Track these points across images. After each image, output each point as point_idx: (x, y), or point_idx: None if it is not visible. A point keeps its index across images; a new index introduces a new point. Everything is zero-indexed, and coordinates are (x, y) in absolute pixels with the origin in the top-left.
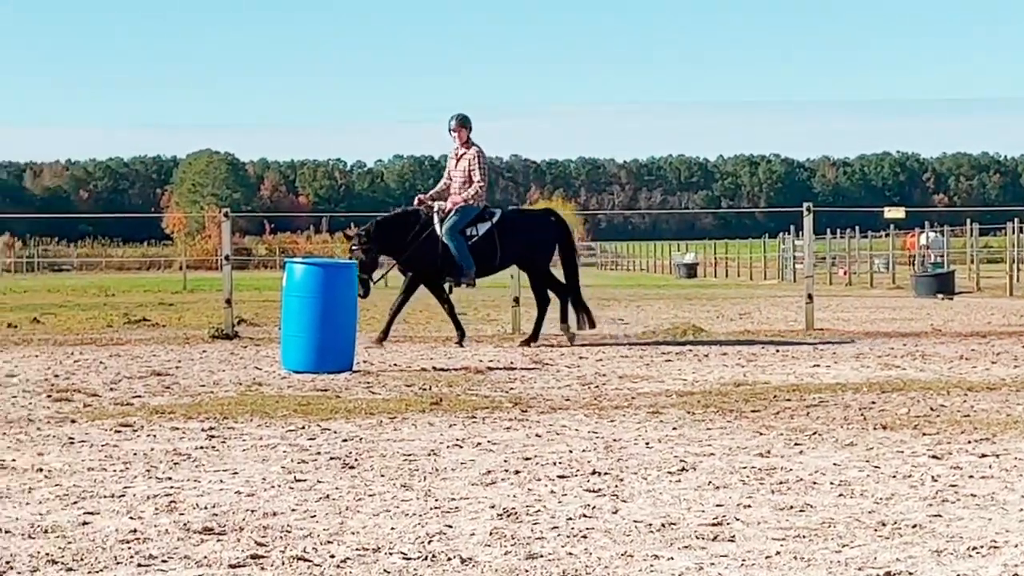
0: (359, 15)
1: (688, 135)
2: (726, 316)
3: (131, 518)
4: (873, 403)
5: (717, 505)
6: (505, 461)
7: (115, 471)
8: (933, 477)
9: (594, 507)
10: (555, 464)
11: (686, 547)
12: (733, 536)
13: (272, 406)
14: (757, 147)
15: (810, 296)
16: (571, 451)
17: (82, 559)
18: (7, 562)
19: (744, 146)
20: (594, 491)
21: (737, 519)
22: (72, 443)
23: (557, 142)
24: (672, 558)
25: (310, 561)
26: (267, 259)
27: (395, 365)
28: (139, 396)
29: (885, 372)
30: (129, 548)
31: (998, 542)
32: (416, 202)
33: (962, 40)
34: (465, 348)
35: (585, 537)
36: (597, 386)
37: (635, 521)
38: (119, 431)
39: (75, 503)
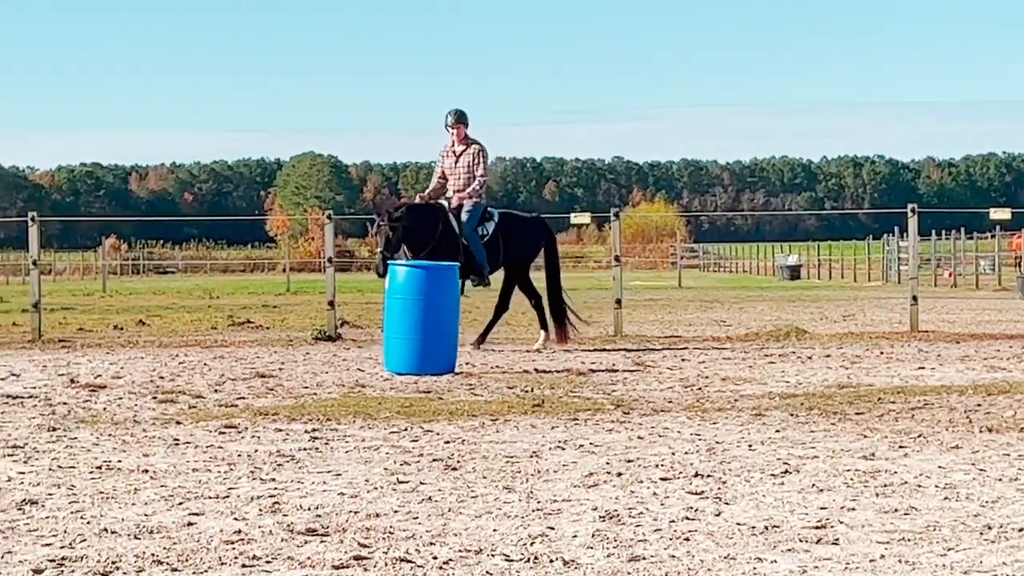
0: (457, 18)
1: (791, 136)
2: (829, 318)
3: (235, 519)
4: (979, 406)
5: (821, 508)
6: (607, 463)
7: (219, 472)
8: None
9: (696, 509)
10: (657, 466)
11: (789, 550)
12: (837, 539)
13: (375, 408)
14: (861, 148)
15: (915, 298)
16: (673, 453)
17: (187, 560)
18: (113, 562)
19: (848, 147)
20: (696, 493)
21: (841, 522)
22: (177, 444)
23: (659, 144)
24: (775, 561)
25: (412, 563)
26: (370, 261)
27: (497, 367)
28: (243, 398)
29: (991, 374)
30: (233, 549)
31: None
32: (418, 200)
33: None
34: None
35: (687, 540)
36: (699, 388)
37: (738, 524)
38: (223, 432)
39: (180, 504)
